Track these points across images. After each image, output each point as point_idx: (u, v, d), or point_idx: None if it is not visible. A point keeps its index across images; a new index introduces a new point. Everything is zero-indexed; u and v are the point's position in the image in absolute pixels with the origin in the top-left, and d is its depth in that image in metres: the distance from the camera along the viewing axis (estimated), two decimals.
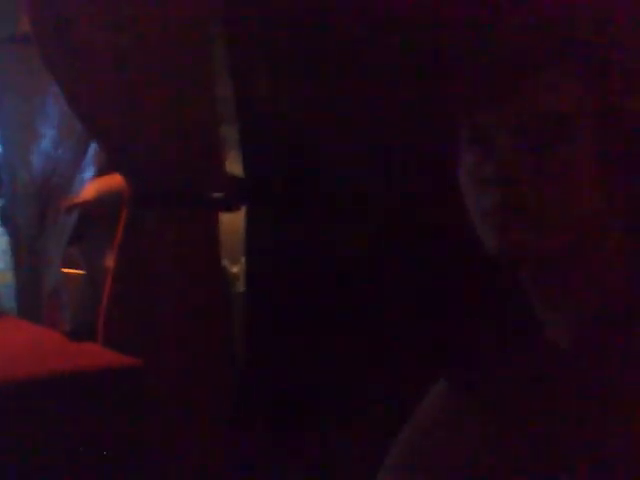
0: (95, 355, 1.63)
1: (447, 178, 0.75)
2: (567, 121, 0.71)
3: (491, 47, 0.70)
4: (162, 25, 1.69)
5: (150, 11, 1.69)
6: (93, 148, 1.78)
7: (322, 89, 1.67)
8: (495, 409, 0.78)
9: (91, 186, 1.71)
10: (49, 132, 1.94)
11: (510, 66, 0.69)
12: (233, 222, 1.91)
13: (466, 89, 0.71)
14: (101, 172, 1.74)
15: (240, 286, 2.15)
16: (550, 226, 0.72)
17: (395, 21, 1.49)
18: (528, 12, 0.70)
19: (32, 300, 2.09)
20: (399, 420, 0.86)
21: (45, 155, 1.94)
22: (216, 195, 1.76)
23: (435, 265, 1.45)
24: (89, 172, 1.77)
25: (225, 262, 1.93)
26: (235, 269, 2.03)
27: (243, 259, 2.12)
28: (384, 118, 1.55)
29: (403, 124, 1.48)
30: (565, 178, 0.71)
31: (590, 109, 0.71)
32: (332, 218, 1.79)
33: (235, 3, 1.80)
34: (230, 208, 1.79)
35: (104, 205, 1.67)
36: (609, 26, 0.73)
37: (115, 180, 1.64)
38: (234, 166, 1.88)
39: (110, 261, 1.64)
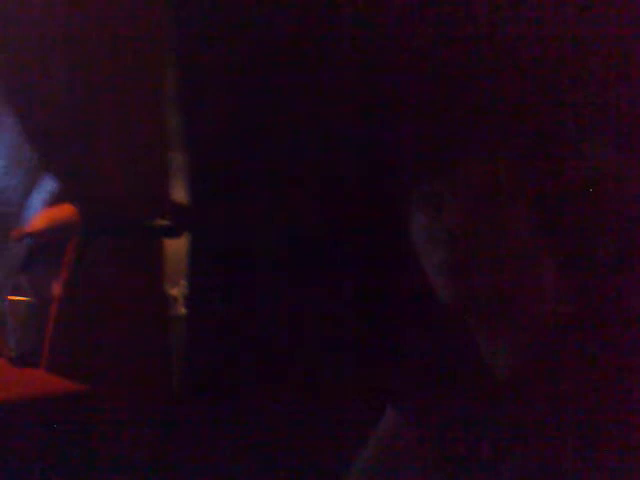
0: (40, 381, 1.66)
1: (397, 233, 0.85)
2: (502, 187, 0.82)
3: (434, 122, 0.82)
4: (112, 51, 1.77)
5: (101, 37, 1.76)
6: (43, 178, 1.82)
7: (270, 122, 1.76)
8: (442, 434, 0.87)
9: (41, 215, 1.75)
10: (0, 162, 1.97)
11: (452, 141, 0.80)
12: (171, 245, 1.97)
13: (417, 159, 0.82)
14: (51, 202, 1.78)
15: (179, 308, 2.21)
16: (491, 271, 0.82)
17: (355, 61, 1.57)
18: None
19: None
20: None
21: None
22: (161, 223, 1.82)
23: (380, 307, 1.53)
24: (39, 201, 1.81)
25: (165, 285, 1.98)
26: (174, 291, 2.09)
27: (182, 282, 2.18)
28: (333, 161, 1.64)
29: (352, 170, 1.57)
30: (500, 233, 0.82)
31: (526, 174, 0.83)
32: (269, 247, 1.87)
33: (186, 30, 1.88)
34: (174, 235, 1.85)
35: (53, 234, 1.71)
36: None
37: (65, 210, 1.69)
38: (178, 192, 1.95)
39: (57, 288, 1.67)
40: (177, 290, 2.03)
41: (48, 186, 1.89)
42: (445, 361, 0.92)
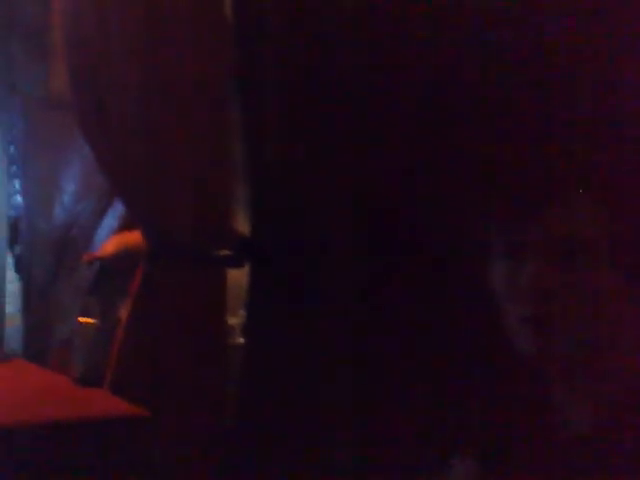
0: (103, 402, 1.72)
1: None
2: (587, 243, 0.83)
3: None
4: (180, 85, 1.84)
5: (169, 74, 1.84)
6: (114, 206, 1.91)
7: (335, 158, 1.80)
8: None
9: (111, 241, 1.83)
10: (71, 187, 2.07)
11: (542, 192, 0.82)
12: (231, 274, 2.02)
13: (504, 207, 0.84)
14: (121, 228, 1.86)
15: (237, 338, 2.25)
16: (574, 324, 0.83)
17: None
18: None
19: (40, 344, 2.18)
20: None
21: (66, 209, 2.06)
22: (224, 252, 1.87)
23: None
24: (109, 228, 1.89)
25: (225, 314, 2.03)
26: (233, 321, 2.13)
27: (241, 311, 2.22)
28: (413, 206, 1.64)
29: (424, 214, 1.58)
30: (586, 291, 0.83)
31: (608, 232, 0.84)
32: (332, 284, 1.89)
33: (248, 64, 1.94)
34: (237, 265, 1.90)
35: (122, 259, 1.78)
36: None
37: (134, 236, 1.76)
38: (241, 223, 2.00)
39: (123, 312, 1.74)
40: (236, 319, 2.08)
41: (118, 212, 1.98)
42: (521, 414, 0.92)
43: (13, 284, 2.36)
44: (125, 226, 1.87)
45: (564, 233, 0.84)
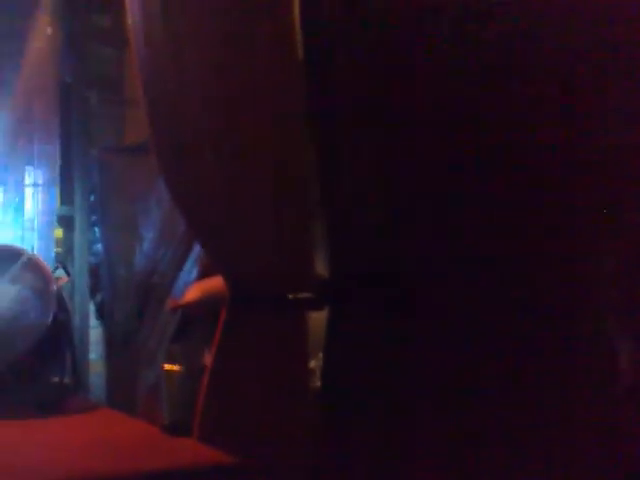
0: (192, 451, 1.71)
1: None
2: None
3: None
4: (256, 128, 1.84)
5: (249, 121, 1.85)
6: (195, 252, 1.92)
7: (412, 194, 1.76)
8: None
9: (194, 288, 1.83)
10: (150, 234, 2.10)
11: None
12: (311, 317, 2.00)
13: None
14: (203, 275, 1.87)
15: (317, 380, 2.21)
16: None
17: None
18: None
19: (125, 391, 2.20)
20: None
21: (146, 255, 2.09)
22: (304, 295, 1.85)
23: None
24: (192, 275, 1.90)
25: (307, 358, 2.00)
26: (312, 363, 2.10)
27: (320, 354, 2.19)
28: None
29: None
30: None
31: None
32: (414, 325, 1.85)
33: (322, 100, 1.93)
34: (317, 307, 1.88)
35: (205, 306, 1.78)
36: None
37: (216, 283, 1.76)
38: (319, 264, 1.98)
39: (208, 359, 1.73)
40: (315, 363, 2.05)
41: (197, 258, 1.99)
42: None
43: (95, 330, 2.41)
44: (205, 272, 1.88)
45: None
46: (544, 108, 1.46)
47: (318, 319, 1.96)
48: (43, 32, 2.46)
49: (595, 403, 0.94)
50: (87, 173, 2.40)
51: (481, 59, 1.64)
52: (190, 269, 1.93)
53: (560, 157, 1.32)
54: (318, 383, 2.09)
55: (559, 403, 1.06)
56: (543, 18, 1.39)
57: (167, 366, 1.76)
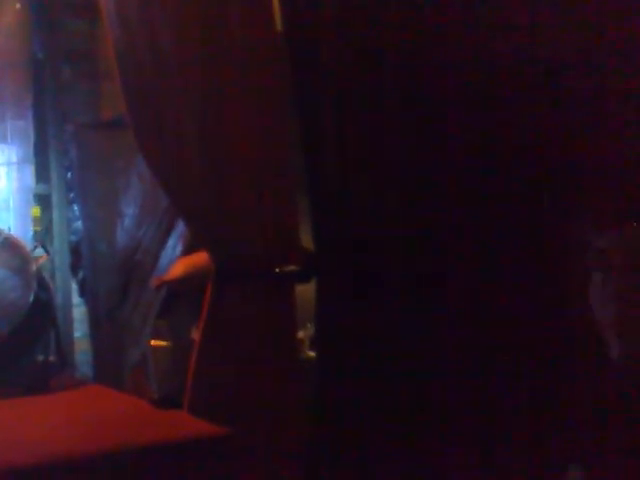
0: (183, 423, 1.72)
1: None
2: None
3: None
4: (240, 99, 1.83)
5: (228, 96, 1.83)
6: (178, 228, 1.91)
7: (394, 173, 1.78)
8: None
9: (178, 264, 1.83)
10: (131, 210, 2.08)
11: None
12: (299, 289, 2.01)
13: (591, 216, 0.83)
14: (187, 251, 1.86)
15: (305, 351, 2.24)
16: None
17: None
18: None
19: (111, 368, 2.20)
20: None
21: (128, 232, 2.07)
22: (291, 268, 1.87)
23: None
24: (176, 250, 1.90)
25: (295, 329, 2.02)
26: (300, 334, 2.13)
27: (308, 324, 2.21)
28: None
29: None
30: None
31: None
32: (401, 295, 1.87)
33: (306, 82, 1.92)
34: (304, 280, 1.89)
35: (191, 282, 1.78)
36: None
37: (200, 258, 1.76)
38: (306, 237, 1.99)
39: (196, 334, 1.74)
40: (304, 333, 2.08)
41: (180, 233, 1.99)
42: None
43: (78, 308, 2.40)
44: (189, 247, 1.87)
45: None
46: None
47: (305, 290, 1.98)
48: (12, 7, 2.39)
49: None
50: (63, 149, 2.37)
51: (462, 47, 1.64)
52: (174, 245, 1.93)
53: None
54: (307, 354, 2.12)
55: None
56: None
57: (154, 342, 1.77)
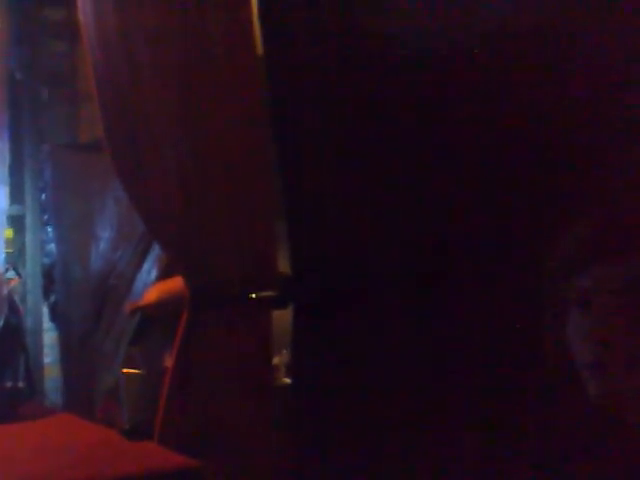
0: (154, 455, 1.67)
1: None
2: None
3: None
4: (216, 125, 1.81)
5: (205, 120, 1.82)
6: (154, 253, 1.88)
7: (375, 196, 1.77)
8: None
9: (153, 290, 1.79)
10: (107, 234, 2.04)
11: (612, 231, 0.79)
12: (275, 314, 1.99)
13: (569, 251, 0.81)
14: (162, 276, 1.83)
15: (281, 377, 2.20)
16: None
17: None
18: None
19: (82, 395, 2.14)
20: None
21: (102, 256, 2.03)
22: (268, 294, 1.84)
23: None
24: (151, 276, 1.86)
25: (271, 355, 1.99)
26: (276, 360, 2.09)
27: (284, 350, 2.17)
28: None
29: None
30: None
31: None
32: (379, 320, 1.86)
33: (282, 103, 1.92)
34: (281, 306, 1.86)
35: (165, 308, 1.75)
36: None
37: (175, 283, 1.72)
38: (283, 263, 1.97)
39: (169, 361, 1.70)
40: (280, 359, 2.04)
41: (156, 258, 1.95)
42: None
43: (49, 333, 2.34)
44: (165, 272, 1.84)
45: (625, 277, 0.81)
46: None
47: (281, 315, 1.95)
48: None
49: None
50: (38, 171, 2.33)
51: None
52: (149, 269, 1.89)
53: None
54: (283, 381, 2.09)
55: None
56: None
57: (126, 370, 1.72)
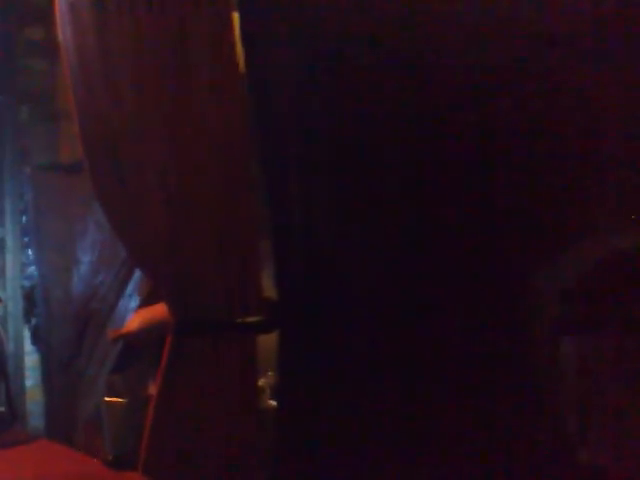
0: None
1: None
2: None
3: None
4: (200, 152, 1.79)
5: (191, 153, 1.79)
6: (136, 278, 1.85)
7: (359, 221, 1.76)
8: None
9: (136, 316, 1.76)
10: (88, 258, 2.01)
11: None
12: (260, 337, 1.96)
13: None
14: (145, 302, 1.80)
15: (265, 399, 2.18)
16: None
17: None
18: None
19: (63, 419, 2.11)
20: None
21: (84, 279, 2.00)
22: (252, 319, 1.81)
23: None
24: (133, 301, 1.83)
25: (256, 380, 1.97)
26: (261, 382, 2.07)
27: (270, 372, 2.15)
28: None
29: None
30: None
31: None
32: (365, 342, 1.84)
33: (269, 134, 1.91)
34: (266, 331, 1.84)
35: (148, 335, 1.72)
36: None
37: (159, 310, 1.69)
38: (268, 288, 1.95)
39: (152, 389, 1.67)
40: (265, 381, 2.01)
41: (138, 283, 1.92)
42: None
43: (31, 356, 2.30)
44: (147, 298, 1.81)
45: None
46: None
47: (266, 337, 1.93)
48: None
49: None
50: (19, 192, 2.30)
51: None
52: (131, 294, 1.86)
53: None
54: (268, 403, 2.06)
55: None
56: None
57: (108, 398, 1.69)
